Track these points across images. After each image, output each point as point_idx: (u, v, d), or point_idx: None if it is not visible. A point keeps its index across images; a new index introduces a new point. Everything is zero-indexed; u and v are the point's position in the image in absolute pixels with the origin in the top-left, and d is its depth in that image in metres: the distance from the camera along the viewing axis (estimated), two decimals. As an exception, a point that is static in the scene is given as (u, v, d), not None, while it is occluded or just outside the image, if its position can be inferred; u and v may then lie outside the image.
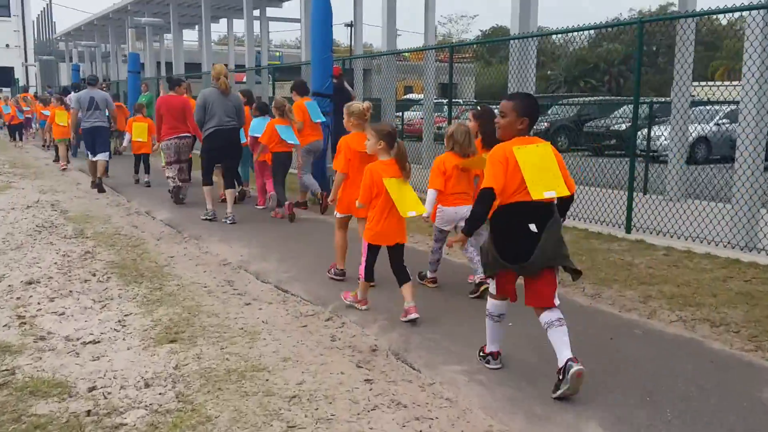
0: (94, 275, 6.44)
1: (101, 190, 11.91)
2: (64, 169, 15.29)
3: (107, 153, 12.34)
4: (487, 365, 4.24)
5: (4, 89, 34.20)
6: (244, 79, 21.99)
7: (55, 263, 6.87)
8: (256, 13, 28.10)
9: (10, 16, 42.83)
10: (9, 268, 6.67)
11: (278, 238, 8.11)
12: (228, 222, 8.93)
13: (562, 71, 45.89)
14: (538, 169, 3.83)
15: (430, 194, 5.69)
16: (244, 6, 22.51)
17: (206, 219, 9.11)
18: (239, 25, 34.28)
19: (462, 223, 5.63)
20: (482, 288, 5.51)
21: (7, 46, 42.43)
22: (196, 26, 35.73)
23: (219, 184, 10.15)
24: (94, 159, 12.24)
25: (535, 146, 3.91)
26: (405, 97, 29.82)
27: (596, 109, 22.46)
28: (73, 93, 17.35)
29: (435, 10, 17.67)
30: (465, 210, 5.64)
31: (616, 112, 21.02)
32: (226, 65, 10.42)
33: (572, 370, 3.64)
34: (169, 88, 11.10)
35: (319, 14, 9.94)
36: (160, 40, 41.62)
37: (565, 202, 4.06)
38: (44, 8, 47.72)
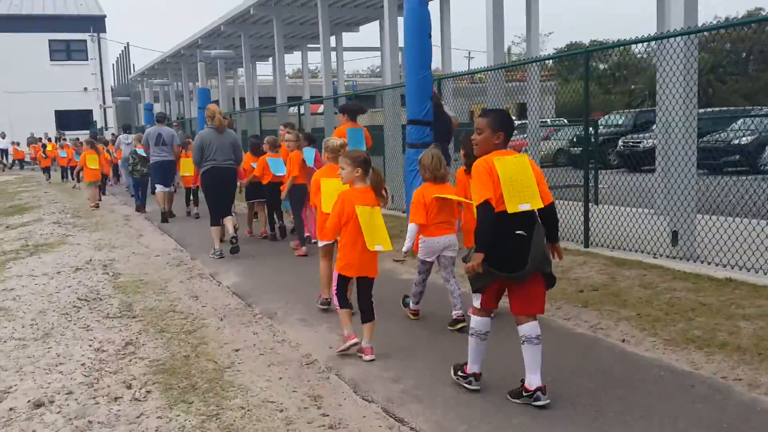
0: (129, 387, 4.61)
1: (164, 220, 12.68)
2: (94, 208, 15.62)
3: (172, 185, 13.33)
4: (467, 386, 4.14)
5: (66, 132, 33.78)
6: (320, 110, 20.40)
7: (83, 365, 5.08)
8: (332, 42, 26.69)
9: (87, 60, 42.99)
10: (20, 376, 4.92)
11: (378, 316, 5.25)
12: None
13: (647, 84, 42.95)
14: (515, 181, 3.86)
15: (411, 228, 5.53)
16: (320, 33, 20.93)
17: (214, 256, 9.08)
18: (314, 57, 33.06)
19: (446, 252, 5.61)
20: (459, 325, 5.41)
21: (85, 89, 42.52)
22: (270, 58, 34.69)
23: (261, 221, 10.77)
24: (163, 191, 13.09)
25: (513, 158, 3.94)
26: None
27: (709, 123, 19.93)
28: (123, 134, 17.61)
29: (539, 24, 15.77)
30: (447, 239, 5.58)
31: (733, 124, 18.42)
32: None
33: (539, 403, 3.85)
34: None
35: (415, 24, 7.96)
36: (234, 76, 40.98)
37: (549, 214, 4.02)
38: (122, 51, 48.06)
